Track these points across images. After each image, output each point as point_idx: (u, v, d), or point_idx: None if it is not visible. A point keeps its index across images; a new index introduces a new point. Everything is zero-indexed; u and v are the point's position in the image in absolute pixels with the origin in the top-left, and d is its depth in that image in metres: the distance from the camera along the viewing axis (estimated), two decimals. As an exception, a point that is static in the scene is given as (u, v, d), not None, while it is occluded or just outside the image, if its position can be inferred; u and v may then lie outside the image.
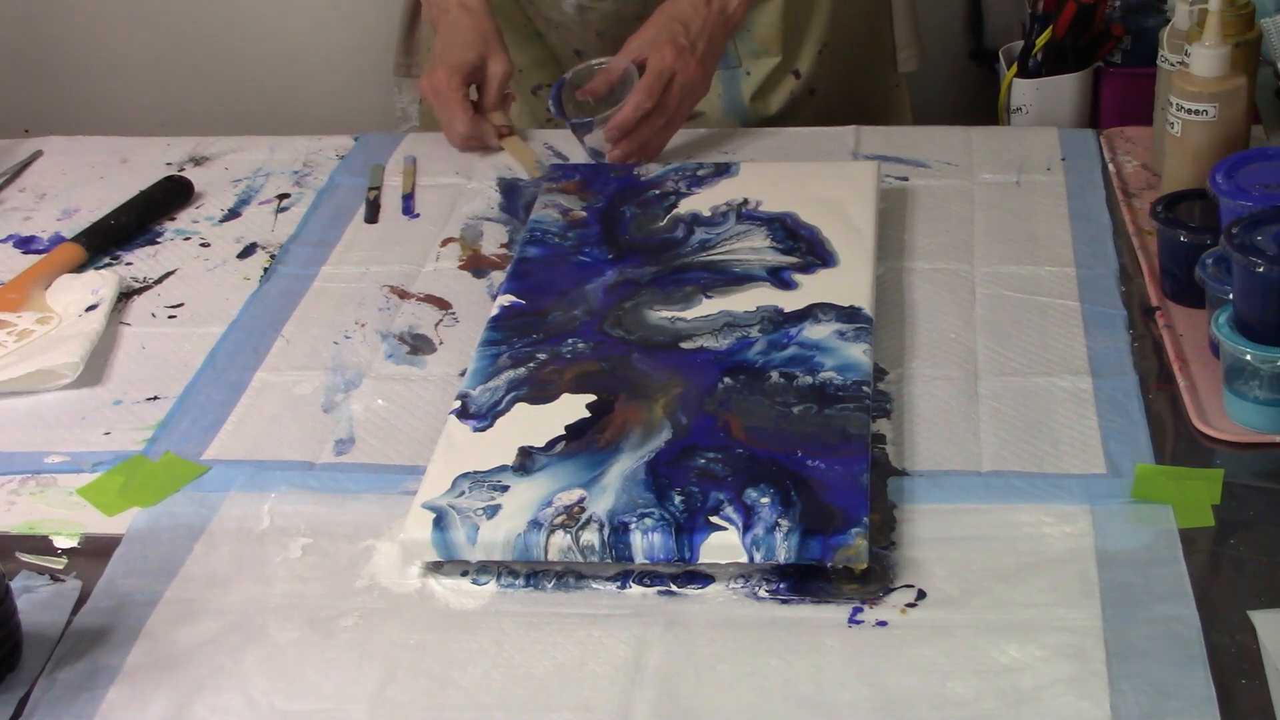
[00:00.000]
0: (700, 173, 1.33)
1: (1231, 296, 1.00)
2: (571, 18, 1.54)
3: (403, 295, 1.24)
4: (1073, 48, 1.75)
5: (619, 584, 0.92)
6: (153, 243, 1.36)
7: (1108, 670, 0.83)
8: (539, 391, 1.05)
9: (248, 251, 1.34)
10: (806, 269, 1.17)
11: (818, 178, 1.31)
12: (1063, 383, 1.07)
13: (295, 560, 0.96)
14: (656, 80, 1.37)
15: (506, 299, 1.17)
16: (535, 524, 0.92)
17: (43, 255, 1.33)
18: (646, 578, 0.92)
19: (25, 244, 1.37)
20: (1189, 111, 1.18)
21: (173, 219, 1.40)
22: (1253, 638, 0.85)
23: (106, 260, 1.34)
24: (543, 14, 1.57)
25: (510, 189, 1.40)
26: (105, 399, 1.14)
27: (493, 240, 1.32)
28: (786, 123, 1.54)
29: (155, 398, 1.14)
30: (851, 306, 1.12)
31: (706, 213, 1.27)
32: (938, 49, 2.30)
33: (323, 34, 2.39)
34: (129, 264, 1.33)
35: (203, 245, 1.35)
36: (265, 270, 1.30)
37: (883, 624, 0.88)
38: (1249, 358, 0.98)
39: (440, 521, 0.93)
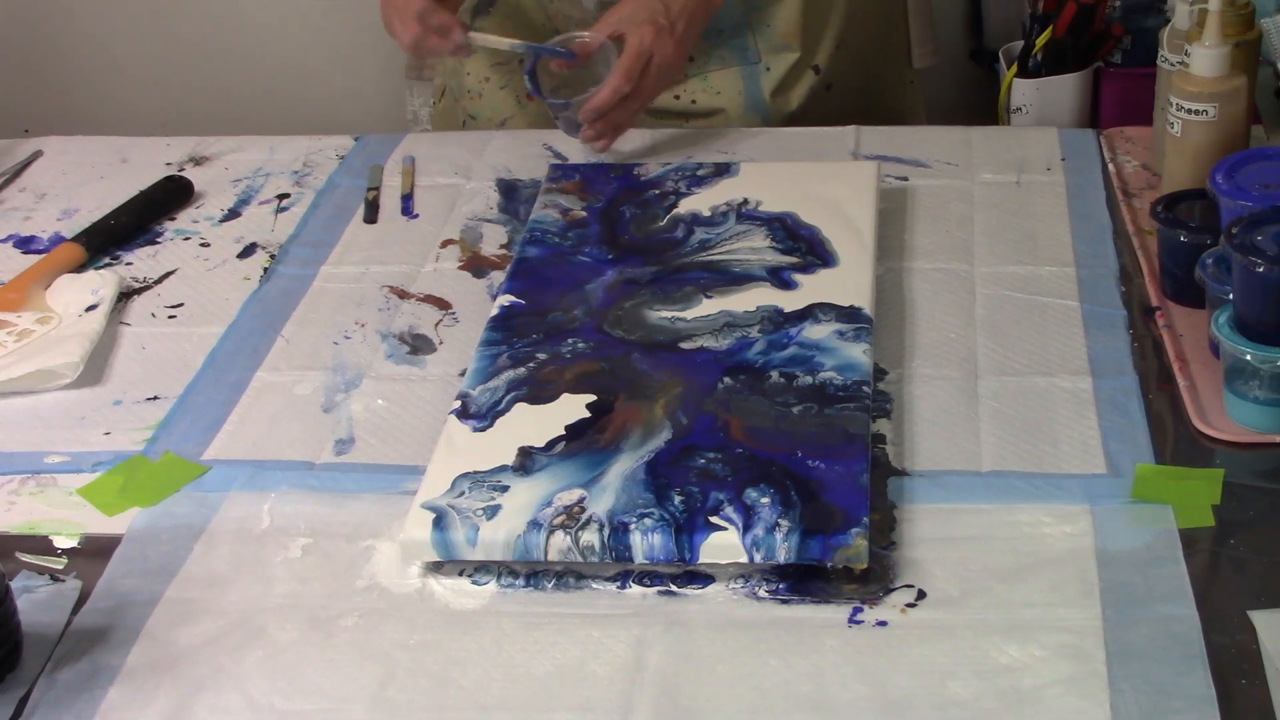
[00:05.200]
0: (700, 173, 1.33)
1: (1231, 296, 1.00)
2: (593, 14, 1.54)
3: (403, 295, 1.24)
4: (1073, 48, 1.75)
5: (619, 584, 0.92)
6: (153, 243, 1.36)
7: (1108, 670, 0.83)
8: (539, 391, 1.05)
9: (248, 251, 1.34)
10: (806, 269, 1.17)
11: (818, 178, 1.31)
12: (1063, 383, 1.07)
13: (295, 560, 0.96)
14: (635, 62, 1.36)
15: (506, 299, 1.17)
16: (535, 524, 0.92)
17: (43, 255, 1.33)
18: (646, 578, 0.92)
19: (25, 244, 1.37)
20: (1189, 111, 1.18)
21: (173, 219, 1.40)
22: (1253, 638, 0.85)
23: (106, 260, 1.34)
24: (562, 12, 1.57)
25: (509, 189, 1.40)
26: (105, 399, 1.14)
27: (492, 241, 1.32)
28: (806, 119, 1.54)
29: (155, 398, 1.14)
30: (851, 306, 1.12)
31: (706, 213, 1.27)
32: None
33: (323, 35, 2.39)
34: (129, 264, 1.33)
35: (203, 245, 1.35)
36: (265, 270, 1.30)
37: (883, 624, 0.88)
38: (1249, 358, 0.98)
39: (440, 522, 0.92)
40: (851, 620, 0.88)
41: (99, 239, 1.35)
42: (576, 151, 1.45)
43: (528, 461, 0.98)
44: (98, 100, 2.46)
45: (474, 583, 0.93)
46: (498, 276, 1.26)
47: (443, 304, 1.23)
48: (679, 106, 1.54)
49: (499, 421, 1.02)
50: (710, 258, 1.20)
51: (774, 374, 1.05)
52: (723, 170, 1.33)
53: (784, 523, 0.90)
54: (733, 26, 1.52)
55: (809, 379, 1.04)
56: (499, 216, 1.36)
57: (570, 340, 1.11)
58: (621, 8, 1.40)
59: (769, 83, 1.55)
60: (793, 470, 0.95)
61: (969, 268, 1.22)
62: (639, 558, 0.91)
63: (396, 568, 0.95)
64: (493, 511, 0.93)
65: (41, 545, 0.99)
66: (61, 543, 1.00)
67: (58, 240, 1.36)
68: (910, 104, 1.70)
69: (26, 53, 2.44)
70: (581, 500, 0.93)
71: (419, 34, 1.39)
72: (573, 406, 1.03)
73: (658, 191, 1.31)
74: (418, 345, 1.18)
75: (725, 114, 1.54)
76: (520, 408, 1.03)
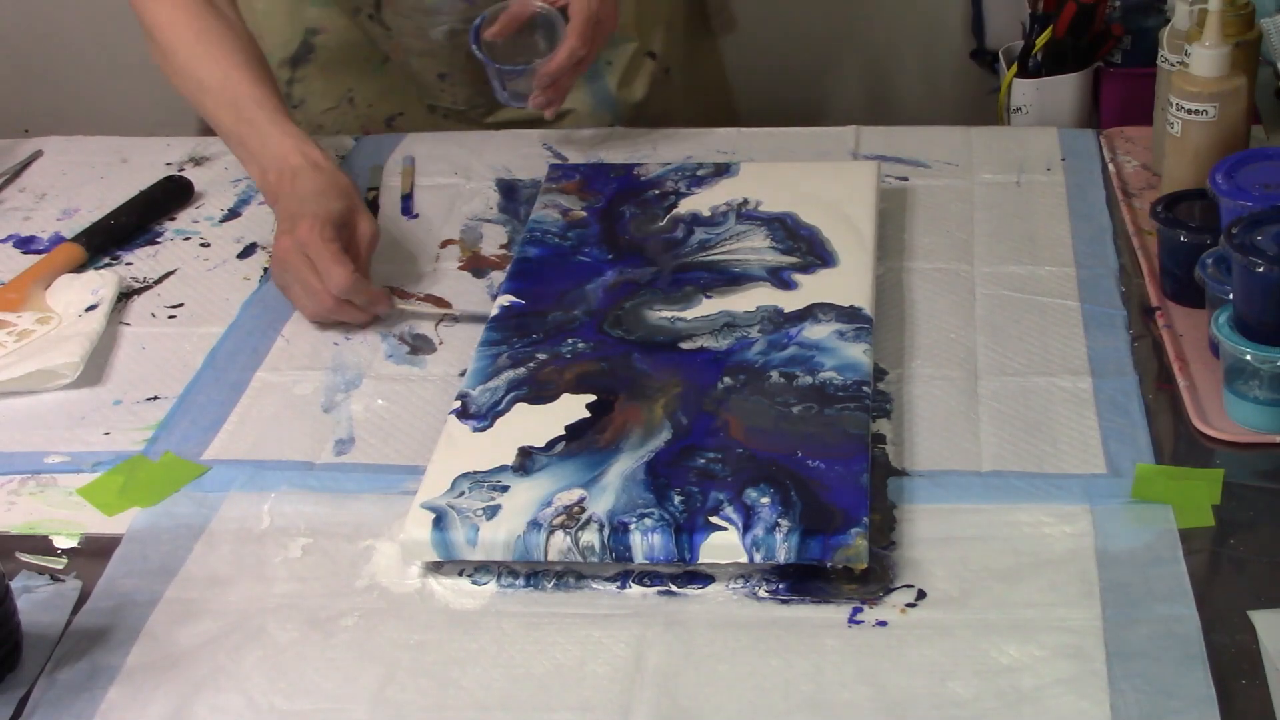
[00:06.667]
0: (700, 173, 1.33)
1: (1231, 296, 1.00)
2: (441, 44, 1.52)
3: (403, 295, 1.24)
4: (1073, 48, 1.74)
5: (619, 584, 0.92)
6: (153, 243, 1.36)
7: (1108, 670, 0.83)
8: (539, 391, 1.05)
9: (248, 251, 1.34)
10: (806, 269, 1.17)
11: (818, 178, 1.31)
12: (1063, 383, 1.07)
13: (295, 560, 0.96)
14: (587, 26, 1.37)
15: (506, 299, 1.17)
16: (535, 524, 0.92)
17: (43, 255, 1.33)
18: (646, 578, 0.92)
19: (25, 244, 1.37)
20: (1189, 111, 1.18)
21: (173, 219, 1.40)
22: (1253, 638, 0.85)
23: (106, 260, 1.34)
24: (403, 44, 1.53)
25: (509, 189, 1.40)
26: (105, 399, 1.14)
27: (492, 241, 1.32)
28: (650, 107, 1.55)
29: (155, 398, 1.14)
30: (851, 306, 1.12)
31: (706, 213, 1.27)
32: (938, 49, 2.30)
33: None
34: (129, 264, 1.33)
35: (203, 245, 1.35)
36: (265, 270, 1.30)
37: (883, 624, 0.88)
38: (1249, 358, 0.98)
39: (440, 522, 0.93)
40: (851, 620, 0.88)
41: (99, 239, 1.35)
42: (577, 152, 1.45)
43: (528, 461, 0.98)
44: (98, 100, 2.45)
45: (474, 583, 0.93)
46: (498, 276, 1.26)
47: (443, 304, 1.23)
48: (525, 115, 1.49)
49: (499, 421, 1.02)
50: (710, 258, 1.20)
51: (774, 374, 1.05)
52: (723, 170, 1.33)
53: (784, 523, 0.90)
54: None
55: (809, 379, 1.04)
56: (499, 216, 1.36)
57: (570, 340, 1.11)
58: None
59: (614, 77, 1.55)
60: (793, 470, 0.95)
61: (969, 268, 1.22)
62: (639, 558, 0.91)
63: (396, 568, 0.95)
64: (493, 511, 0.93)
65: (41, 545, 0.99)
66: (61, 543, 1.00)
67: (58, 240, 1.36)
68: (712, 75, 1.73)
69: (26, 53, 2.44)
70: (581, 500, 0.93)
71: (332, 307, 1.18)
72: (573, 406, 1.03)
73: (658, 191, 1.31)
74: (418, 345, 1.18)
75: (575, 114, 1.54)
76: (520, 408, 1.03)
